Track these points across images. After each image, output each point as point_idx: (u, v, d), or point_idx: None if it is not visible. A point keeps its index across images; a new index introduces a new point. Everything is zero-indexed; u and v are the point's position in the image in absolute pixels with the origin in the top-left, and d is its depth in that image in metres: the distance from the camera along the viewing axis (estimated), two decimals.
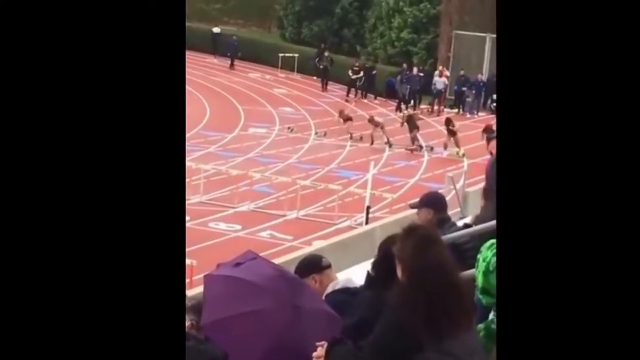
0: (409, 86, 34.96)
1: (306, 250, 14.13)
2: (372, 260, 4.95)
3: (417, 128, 27.59)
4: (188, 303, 7.05)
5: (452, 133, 26.83)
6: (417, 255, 3.94)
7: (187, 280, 12.63)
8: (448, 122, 27.36)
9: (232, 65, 42.25)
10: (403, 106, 34.49)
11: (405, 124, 27.96)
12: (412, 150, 27.05)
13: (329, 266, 5.20)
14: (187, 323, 5.09)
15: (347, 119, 28.73)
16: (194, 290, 9.21)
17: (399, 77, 35.42)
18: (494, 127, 22.31)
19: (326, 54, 38.95)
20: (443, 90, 35.31)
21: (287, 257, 12.63)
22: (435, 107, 35.04)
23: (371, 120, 28.17)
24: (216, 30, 46.54)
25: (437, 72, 35.75)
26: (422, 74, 35.63)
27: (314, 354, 3.95)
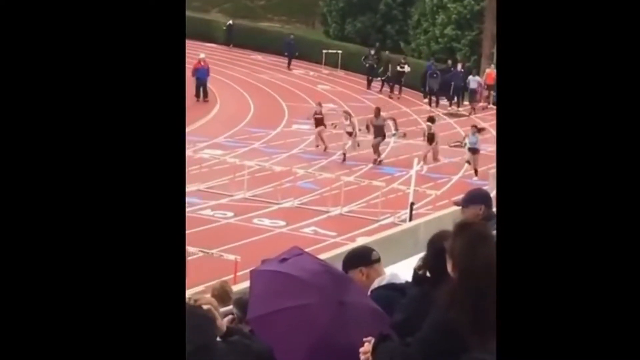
0: (438, 82, 34.87)
1: (350, 246, 14.14)
2: (417, 256, 4.93)
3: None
4: (233, 297, 7.10)
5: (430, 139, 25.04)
6: (469, 252, 3.89)
7: (231, 276, 12.70)
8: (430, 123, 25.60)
9: (289, 65, 41.98)
10: (433, 102, 34.51)
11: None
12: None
13: (378, 260, 5.18)
14: (230, 317, 5.12)
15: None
16: (238, 286, 9.26)
17: (428, 72, 35.30)
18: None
19: (372, 51, 38.88)
20: (477, 89, 35.18)
21: (331, 254, 12.65)
22: (469, 106, 34.91)
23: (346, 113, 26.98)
24: (230, 22, 46.93)
25: (474, 71, 35.74)
26: (462, 70, 35.52)
27: (361, 349, 3.95)
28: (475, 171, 23.65)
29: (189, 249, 14.08)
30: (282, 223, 18.28)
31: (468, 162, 24.31)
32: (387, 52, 39.13)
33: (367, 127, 25.67)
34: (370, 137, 25.60)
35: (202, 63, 31.85)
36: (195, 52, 39.87)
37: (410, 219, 16.79)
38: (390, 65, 37.32)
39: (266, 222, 18.40)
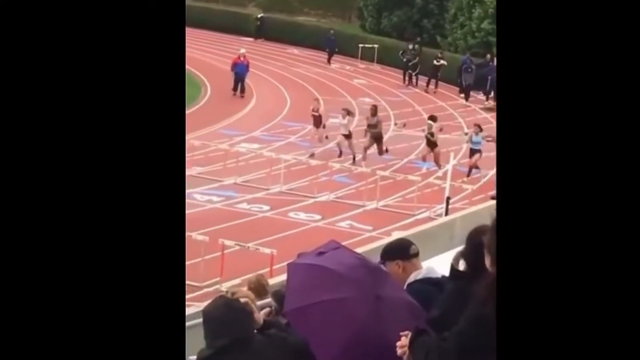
0: (473, 76, 34.72)
1: (385, 240, 14.15)
2: (452, 251, 4.93)
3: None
4: (269, 290, 7.13)
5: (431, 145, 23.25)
6: None
7: (267, 269, 12.74)
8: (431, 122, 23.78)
9: (329, 60, 41.85)
10: (463, 96, 34.38)
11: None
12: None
13: (416, 255, 5.18)
14: (267, 310, 5.15)
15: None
16: (274, 279, 9.30)
17: (463, 67, 35.14)
18: None
19: (410, 46, 38.77)
20: None
21: (366, 248, 12.66)
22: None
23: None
24: (260, 15, 47.06)
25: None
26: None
27: (398, 343, 3.97)
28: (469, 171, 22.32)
29: (225, 242, 14.18)
30: (318, 217, 18.32)
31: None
32: (410, 46, 38.99)
33: (365, 130, 23.62)
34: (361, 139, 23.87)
35: (242, 58, 31.91)
36: (233, 47, 40.02)
37: (447, 214, 16.76)
38: (418, 59, 37.23)
39: (302, 215, 18.44)
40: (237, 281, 12.57)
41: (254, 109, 30.32)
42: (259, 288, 7.22)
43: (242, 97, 31.51)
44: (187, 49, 43.15)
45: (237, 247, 14.46)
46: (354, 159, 23.18)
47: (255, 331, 4.24)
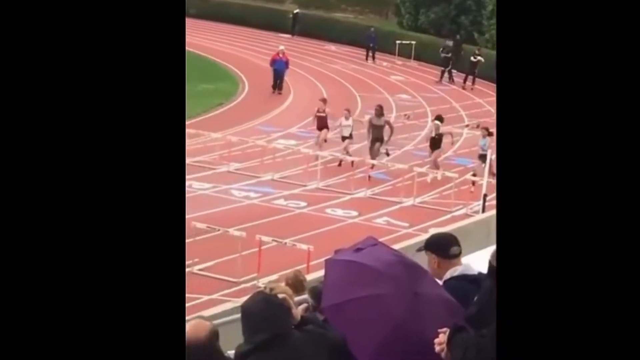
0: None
1: (422, 237, 14.13)
2: (489, 248, 4.92)
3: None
4: (307, 286, 7.15)
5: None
6: None
7: (304, 265, 12.77)
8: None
9: (368, 57, 41.63)
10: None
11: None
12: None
13: (456, 256, 5.14)
14: (304, 306, 5.17)
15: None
16: (310, 275, 9.31)
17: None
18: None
19: (450, 42, 38.63)
20: None
21: (403, 244, 12.64)
22: None
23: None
24: (295, 11, 47.10)
25: None
26: None
27: (436, 340, 3.97)
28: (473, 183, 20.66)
29: (262, 238, 14.23)
30: (355, 213, 18.31)
31: (474, 174, 20.85)
32: (450, 42, 38.85)
33: (368, 130, 22.22)
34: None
35: (281, 55, 31.95)
36: (270, 43, 40.08)
37: (484, 211, 16.70)
38: (452, 55, 37.16)
39: (339, 212, 18.45)
40: (274, 277, 12.60)
41: (291, 105, 30.36)
42: (296, 284, 7.24)
43: (280, 93, 31.55)
44: (226, 45, 43.14)
45: (274, 243, 14.49)
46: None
47: (293, 327, 4.26)
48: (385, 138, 22.07)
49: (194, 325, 3.93)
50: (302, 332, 4.25)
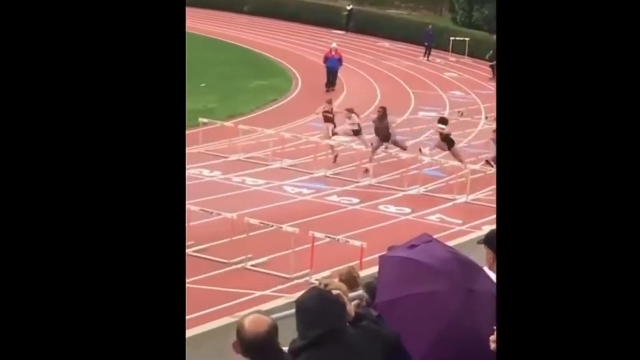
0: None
1: (475, 234, 14.06)
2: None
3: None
4: (361, 283, 7.15)
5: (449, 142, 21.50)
6: None
7: (356, 262, 12.77)
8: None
9: (426, 54, 41.54)
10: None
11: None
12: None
13: None
14: (356, 302, 5.17)
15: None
16: (363, 272, 9.32)
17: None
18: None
19: None
20: None
21: (456, 241, 12.60)
22: None
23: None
24: (348, 7, 47.05)
25: None
26: None
27: (491, 337, 3.95)
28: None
29: (315, 234, 14.25)
30: (408, 210, 18.27)
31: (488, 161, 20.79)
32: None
33: (375, 130, 21.52)
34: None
35: (334, 52, 31.96)
36: (324, 40, 40.09)
37: None
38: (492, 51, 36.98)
39: (392, 209, 18.42)
40: (326, 273, 12.62)
41: (344, 102, 30.35)
42: (350, 280, 7.24)
43: (332, 90, 31.56)
44: (280, 42, 43.24)
45: (327, 240, 14.51)
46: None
47: (347, 323, 4.26)
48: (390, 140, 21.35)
49: (254, 320, 3.92)
50: (357, 328, 4.25)
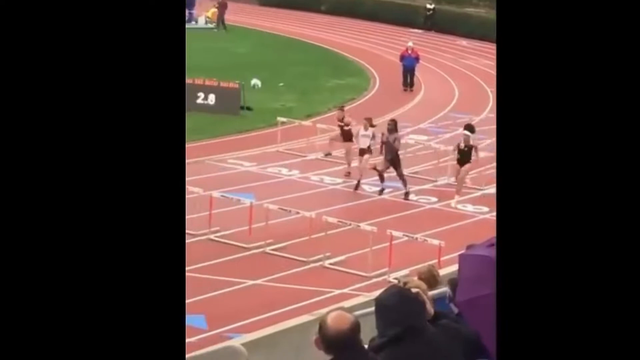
0: None
1: None
2: None
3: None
4: (441, 281, 7.13)
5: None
6: None
7: (435, 260, 12.73)
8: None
9: None
10: None
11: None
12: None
13: None
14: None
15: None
16: (442, 270, 9.30)
17: None
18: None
19: None
20: None
21: None
22: None
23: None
24: (430, 6, 46.85)
25: None
26: None
27: None
28: None
29: (393, 232, 14.25)
30: (486, 209, 18.16)
31: None
32: None
33: (381, 146, 19.08)
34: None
35: (410, 51, 31.89)
36: (401, 39, 39.99)
37: None
38: None
39: (470, 208, 18.34)
40: (405, 272, 12.61)
41: (422, 100, 30.27)
42: (430, 279, 7.24)
43: (411, 90, 31.47)
44: (357, 41, 43.25)
45: (405, 238, 14.50)
46: (357, 185, 19.02)
47: (427, 321, 4.27)
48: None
49: (337, 316, 3.93)
50: (436, 326, 4.25)
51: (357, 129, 19.64)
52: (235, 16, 43.29)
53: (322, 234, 14.64)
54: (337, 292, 13.34)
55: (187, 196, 16.15)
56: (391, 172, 19.93)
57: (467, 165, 18.94)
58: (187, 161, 20.25)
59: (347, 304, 10.39)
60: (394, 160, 18.60)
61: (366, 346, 4.28)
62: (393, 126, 19.05)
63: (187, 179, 17.64)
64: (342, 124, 20.31)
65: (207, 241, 15.18)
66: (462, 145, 19.17)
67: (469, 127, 19.80)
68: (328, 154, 21.05)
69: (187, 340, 11.74)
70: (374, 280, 13.69)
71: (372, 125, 19.50)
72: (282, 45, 39.02)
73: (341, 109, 21.29)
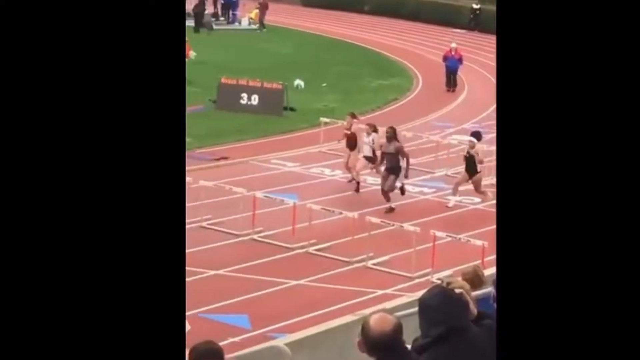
0: None
1: None
2: None
3: None
4: (485, 281, 7.09)
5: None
6: None
7: (478, 261, 12.68)
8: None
9: None
10: None
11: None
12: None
13: None
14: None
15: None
16: (486, 271, 9.26)
17: None
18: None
19: None
20: None
21: None
22: None
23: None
24: (476, 6, 46.84)
25: None
26: None
27: None
28: None
29: (437, 233, 14.20)
30: None
31: None
32: None
33: (381, 157, 17.89)
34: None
35: (453, 52, 31.77)
36: (444, 39, 39.85)
37: None
38: None
39: None
40: (448, 272, 12.57)
41: (465, 100, 30.16)
42: (474, 279, 7.21)
43: (453, 91, 31.36)
44: (401, 41, 43.14)
45: (449, 239, 14.45)
46: (357, 189, 18.14)
47: (470, 322, 4.25)
48: (402, 169, 17.50)
49: (379, 318, 3.94)
50: (480, 326, 4.23)
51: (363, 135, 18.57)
52: (278, 17, 43.41)
53: (366, 234, 14.63)
54: (380, 292, 13.32)
55: (230, 197, 16.29)
56: (436, 172, 19.86)
57: (477, 176, 17.83)
58: (230, 161, 20.43)
59: (390, 304, 10.38)
60: (394, 170, 17.43)
61: (409, 347, 4.28)
62: (392, 134, 17.68)
63: (230, 179, 17.79)
64: (348, 131, 19.04)
65: (250, 241, 15.24)
66: (467, 153, 18.08)
67: (476, 134, 18.49)
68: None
69: (230, 340, 11.87)
70: (417, 280, 13.66)
71: (375, 131, 18.41)
72: (325, 45, 39.06)
73: (352, 115, 19.60)
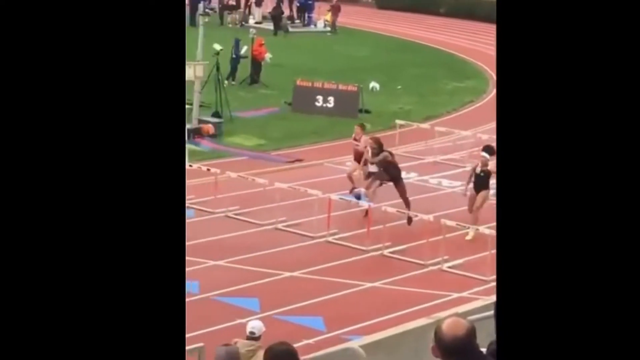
0: None
1: None
2: None
3: None
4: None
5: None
6: None
7: None
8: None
9: None
10: None
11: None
12: None
13: None
14: None
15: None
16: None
17: None
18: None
19: None
20: None
21: None
22: None
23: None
24: None
25: None
26: None
27: None
28: None
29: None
30: None
31: None
32: None
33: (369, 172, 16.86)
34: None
35: None
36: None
37: None
38: None
39: None
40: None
41: None
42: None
43: None
44: (476, 43, 42.86)
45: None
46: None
47: None
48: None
49: (452, 322, 3.93)
50: None
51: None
52: (353, 19, 43.47)
53: (441, 237, 14.59)
54: (456, 295, 13.28)
55: (306, 199, 16.35)
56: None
57: (483, 192, 15.79)
58: (306, 164, 20.51)
59: (465, 307, 10.34)
60: (380, 175, 16.49)
61: (484, 350, 4.27)
62: (377, 149, 16.51)
63: (306, 181, 17.86)
64: (357, 142, 17.84)
65: (325, 243, 15.30)
66: (479, 169, 16.02)
67: (488, 149, 16.06)
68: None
69: (305, 341, 11.90)
70: (493, 284, 13.57)
71: (381, 151, 16.66)
72: (400, 47, 39.00)
73: (361, 126, 18.37)
